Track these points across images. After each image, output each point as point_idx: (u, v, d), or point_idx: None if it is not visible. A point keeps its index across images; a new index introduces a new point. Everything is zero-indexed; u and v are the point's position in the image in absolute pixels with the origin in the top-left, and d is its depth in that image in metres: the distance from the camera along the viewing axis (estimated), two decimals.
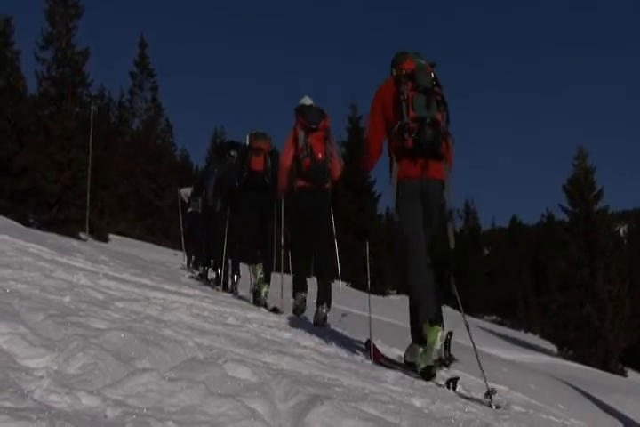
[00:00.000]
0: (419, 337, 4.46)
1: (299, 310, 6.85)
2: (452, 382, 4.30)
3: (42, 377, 1.93)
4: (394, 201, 4.62)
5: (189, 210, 14.20)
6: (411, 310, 4.63)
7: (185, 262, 15.72)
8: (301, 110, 6.97)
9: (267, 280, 8.14)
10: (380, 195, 37.12)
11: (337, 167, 7.00)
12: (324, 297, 6.64)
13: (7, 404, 1.65)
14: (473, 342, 4.55)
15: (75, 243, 12.79)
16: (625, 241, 55.23)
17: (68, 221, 19.68)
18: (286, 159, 6.88)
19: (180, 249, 17.66)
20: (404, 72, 4.70)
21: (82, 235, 19.49)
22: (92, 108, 21.92)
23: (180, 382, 2.09)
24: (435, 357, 4.26)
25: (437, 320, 4.31)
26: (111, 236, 23.56)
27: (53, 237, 12.63)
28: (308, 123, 6.83)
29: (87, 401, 1.82)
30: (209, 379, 2.28)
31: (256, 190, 8.24)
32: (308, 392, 2.43)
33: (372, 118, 4.88)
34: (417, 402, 3.21)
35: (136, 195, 31.69)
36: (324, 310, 6.58)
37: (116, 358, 2.27)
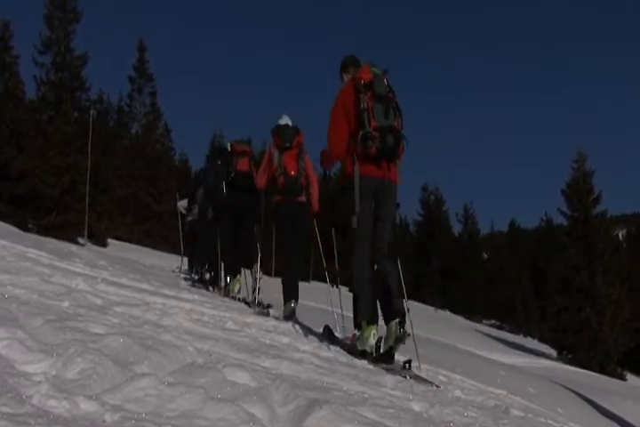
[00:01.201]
0: (357, 324, 5.20)
1: (288, 317, 7.08)
2: (408, 364, 4.97)
3: (40, 382, 1.93)
4: (357, 196, 5.13)
5: (189, 219, 14.31)
6: (354, 301, 5.24)
7: (185, 267, 15.69)
8: (277, 130, 7.59)
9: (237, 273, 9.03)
10: None
11: (313, 180, 7.70)
12: (292, 297, 7.22)
13: (5, 409, 1.65)
14: (412, 328, 5.23)
15: (73, 248, 12.77)
16: (624, 245, 55.23)
17: (66, 226, 19.66)
18: (260, 181, 7.67)
19: (179, 254, 17.63)
20: (362, 82, 5.15)
21: (80, 240, 19.47)
22: (90, 112, 21.91)
23: (178, 387, 2.09)
24: (367, 348, 5.02)
25: (373, 321, 5.08)
26: (110, 240, 23.54)
27: (52, 242, 12.62)
28: (282, 142, 7.46)
29: (86, 406, 1.81)
30: (208, 384, 2.28)
31: (242, 190, 8.84)
32: (307, 397, 2.43)
33: (336, 122, 5.30)
34: (416, 406, 3.21)
35: (135, 199, 31.67)
36: (293, 304, 7.14)
37: (114, 362, 2.27)
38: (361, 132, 5.07)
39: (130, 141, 35.17)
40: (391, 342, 4.98)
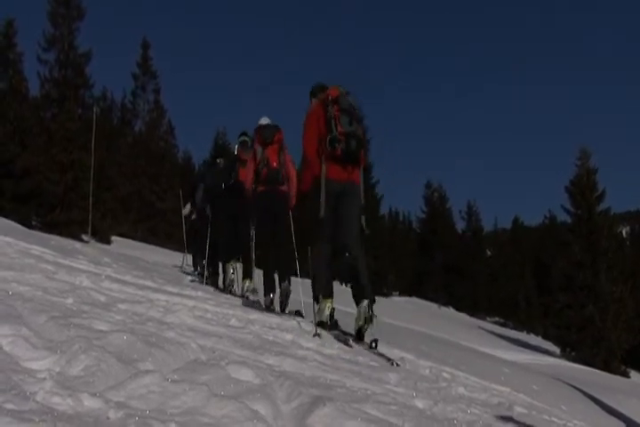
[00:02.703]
0: (315, 298, 6.11)
1: (269, 308, 7.58)
2: (375, 343, 5.66)
3: (44, 379, 1.93)
4: (323, 194, 5.98)
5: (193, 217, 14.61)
6: (312, 280, 6.18)
7: (189, 264, 15.72)
8: (259, 129, 8.28)
9: (248, 276, 9.20)
10: (382, 196, 37.03)
11: (292, 175, 8.23)
12: (283, 279, 7.81)
13: (10, 406, 1.65)
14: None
15: (77, 245, 12.78)
16: (627, 242, 55.12)
17: (70, 223, 19.68)
18: (250, 172, 8.23)
19: (183, 251, 17.63)
20: (329, 98, 6.07)
21: (84, 237, 19.48)
22: (94, 109, 21.86)
23: (182, 384, 2.09)
24: (324, 318, 5.89)
25: (329, 295, 6.00)
26: (113, 238, 23.54)
27: (56, 239, 12.63)
28: (264, 139, 8.08)
29: (90, 403, 1.82)
30: (211, 381, 2.29)
31: (238, 197, 9.39)
32: (311, 394, 2.43)
33: (309, 127, 6.14)
34: (420, 403, 3.21)
35: (138, 196, 31.68)
36: (286, 284, 7.75)
37: (118, 359, 2.27)
38: (329, 136, 5.91)
39: (133, 139, 35.14)
40: (361, 322, 5.83)
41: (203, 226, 12.06)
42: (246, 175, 9.39)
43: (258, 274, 8.46)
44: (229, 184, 9.91)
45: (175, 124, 38.26)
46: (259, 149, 8.13)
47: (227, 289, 10.03)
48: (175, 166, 36.47)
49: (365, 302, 5.77)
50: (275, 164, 8.00)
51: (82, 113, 22.49)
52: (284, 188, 8.06)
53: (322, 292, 6.02)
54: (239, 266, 9.84)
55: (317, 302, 6.07)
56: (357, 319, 5.86)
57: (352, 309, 7.10)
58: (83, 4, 22.74)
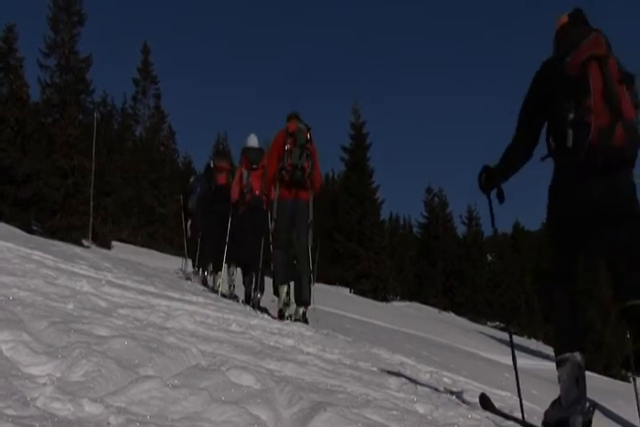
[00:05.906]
0: (275, 292, 7.67)
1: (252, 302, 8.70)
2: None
3: (45, 385, 1.93)
4: (275, 211, 7.60)
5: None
6: (272, 278, 7.73)
7: (189, 269, 15.71)
8: (246, 152, 9.21)
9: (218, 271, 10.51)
10: (382, 201, 36.97)
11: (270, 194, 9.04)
12: (258, 286, 8.65)
13: (10, 412, 1.65)
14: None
15: (78, 250, 12.79)
16: None
17: (71, 229, 19.68)
18: (234, 194, 9.19)
19: (183, 256, 17.61)
20: (289, 131, 7.52)
21: (85, 242, 19.48)
22: (95, 115, 21.93)
23: (183, 390, 2.09)
24: (281, 305, 7.48)
25: (285, 283, 7.57)
26: (114, 243, 23.52)
27: (56, 245, 12.63)
28: (250, 163, 8.98)
29: (90, 409, 1.82)
30: (212, 386, 2.28)
31: (222, 201, 10.28)
32: (312, 399, 2.43)
33: (270, 157, 7.71)
34: (420, 408, 3.20)
35: (139, 201, 31.64)
36: (259, 295, 8.62)
37: (119, 365, 2.27)
38: (280, 166, 7.42)
39: (134, 143, 35.13)
40: (296, 317, 7.22)
41: (195, 231, 12.90)
42: (224, 179, 10.82)
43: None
44: (212, 191, 11.11)
45: (176, 129, 38.18)
46: (244, 173, 8.98)
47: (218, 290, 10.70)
48: (176, 171, 36.45)
49: (302, 310, 7.30)
50: (257, 191, 8.83)
51: (82, 118, 22.54)
52: (263, 212, 8.77)
53: (279, 281, 7.55)
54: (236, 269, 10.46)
55: (277, 295, 7.56)
56: (295, 315, 7.27)
57: (342, 310, 7.18)
58: (83, 9, 22.84)
